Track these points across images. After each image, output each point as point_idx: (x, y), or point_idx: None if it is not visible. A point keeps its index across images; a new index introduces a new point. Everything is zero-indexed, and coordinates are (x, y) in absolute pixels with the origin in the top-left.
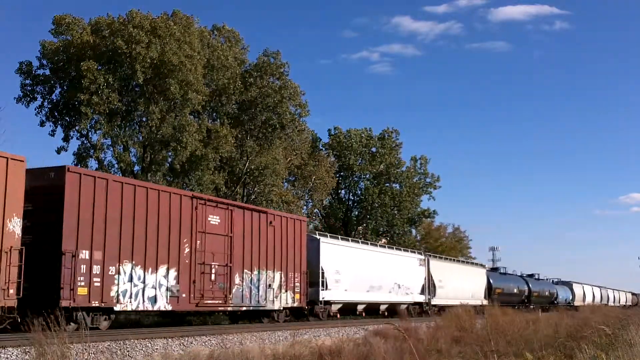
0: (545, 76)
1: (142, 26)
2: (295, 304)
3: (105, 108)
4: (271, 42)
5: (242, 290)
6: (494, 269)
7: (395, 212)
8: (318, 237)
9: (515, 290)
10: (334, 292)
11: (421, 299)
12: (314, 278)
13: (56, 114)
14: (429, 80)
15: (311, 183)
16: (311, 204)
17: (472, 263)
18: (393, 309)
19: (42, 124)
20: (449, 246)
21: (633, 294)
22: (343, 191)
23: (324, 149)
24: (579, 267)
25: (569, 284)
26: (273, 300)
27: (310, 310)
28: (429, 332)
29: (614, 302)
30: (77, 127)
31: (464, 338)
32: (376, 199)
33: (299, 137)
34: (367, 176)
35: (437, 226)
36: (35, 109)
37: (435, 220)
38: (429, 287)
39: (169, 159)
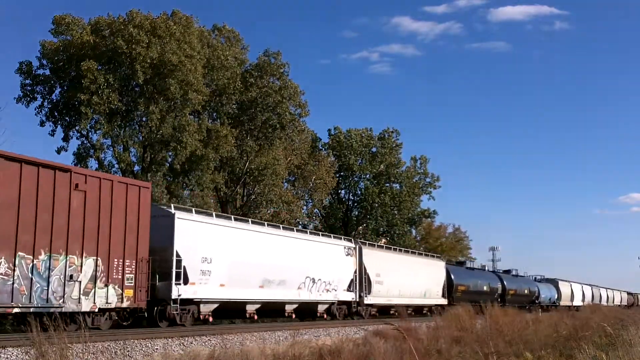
0: (545, 76)
1: (142, 26)
2: (125, 304)
3: (105, 108)
4: (271, 42)
5: (14, 284)
6: (459, 263)
7: (395, 212)
8: (173, 211)
9: (484, 288)
10: (201, 287)
11: (349, 297)
12: (165, 268)
13: (56, 114)
14: (429, 80)
15: (311, 183)
16: (311, 204)
17: (427, 255)
18: (310, 310)
19: (42, 124)
20: (449, 246)
21: (629, 293)
22: (343, 191)
23: (324, 149)
24: (579, 267)
25: (554, 282)
26: (79, 299)
27: (161, 312)
28: (429, 332)
29: (607, 301)
30: (77, 127)
31: (464, 338)
32: (376, 199)
33: (299, 137)
34: (367, 176)
35: (437, 226)
36: (35, 109)
37: (436, 220)
38: (362, 282)
39: (169, 159)
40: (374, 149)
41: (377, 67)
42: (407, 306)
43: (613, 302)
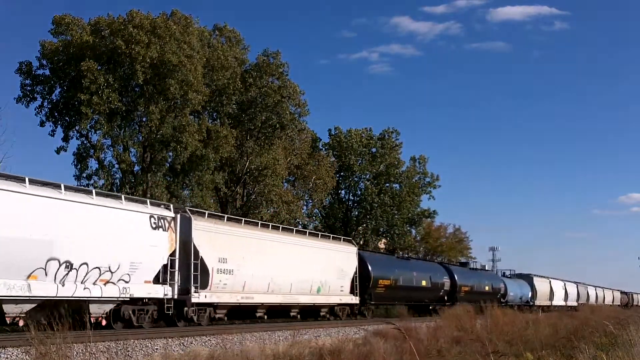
0: (544, 76)
1: (141, 26)
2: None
3: (105, 108)
4: (271, 42)
5: None
6: (390, 252)
7: (395, 212)
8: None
9: (423, 283)
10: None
11: (154, 291)
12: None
13: (56, 114)
14: (428, 80)
15: (311, 183)
16: (311, 204)
17: (327, 236)
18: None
19: (42, 124)
20: (449, 246)
21: (622, 292)
22: (343, 191)
23: (324, 149)
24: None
25: (527, 278)
26: None
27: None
28: (429, 332)
29: (596, 300)
30: (77, 127)
31: (464, 338)
32: (376, 199)
33: (298, 137)
34: (367, 176)
35: (437, 226)
36: (35, 109)
37: (436, 220)
38: (189, 270)
39: (169, 159)
40: (373, 149)
41: (377, 67)
42: (284, 306)
43: (604, 301)
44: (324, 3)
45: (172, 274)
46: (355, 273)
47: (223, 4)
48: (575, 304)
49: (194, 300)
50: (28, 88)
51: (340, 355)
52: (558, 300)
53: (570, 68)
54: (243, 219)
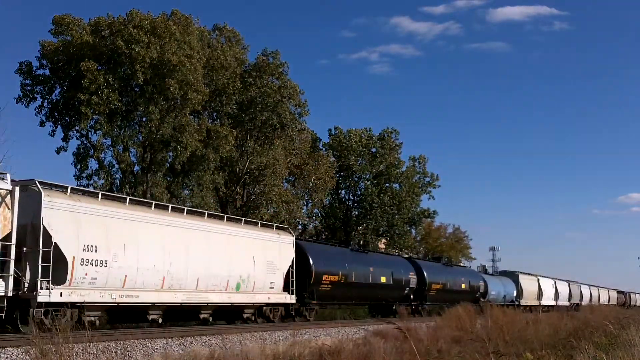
0: (544, 76)
1: (141, 26)
2: None
3: (105, 108)
4: (270, 42)
5: None
6: (343, 243)
7: (395, 212)
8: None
9: (382, 280)
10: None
11: None
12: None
13: (56, 114)
14: (428, 81)
15: (311, 183)
16: (311, 204)
17: (251, 222)
18: None
19: (42, 124)
20: (449, 246)
21: (619, 292)
22: (343, 191)
23: (324, 149)
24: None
25: (512, 275)
26: None
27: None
28: (429, 332)
29: (590, 301)
30: (77, 127)
31: (464, 338)
32: (376, 199)
33: (298, 137)
34: (367, 176)
35: (437, 226)
36: (35, 109)
37: (436, 220)
38: (35, 260)
39: (169, 159)
40: (373, 149)
41: (377, 67)
42: (190, 307)
43: (599, 301)
44: (323, 3)
45: (4, 264)
46: (292, 267)
47: (223, 4)
48: (567, 303)
49: (42, 299)
50: (28, 88)
51: (340, 355)
52: (547, 300)
53: (570, 68)
54: (129, 197)
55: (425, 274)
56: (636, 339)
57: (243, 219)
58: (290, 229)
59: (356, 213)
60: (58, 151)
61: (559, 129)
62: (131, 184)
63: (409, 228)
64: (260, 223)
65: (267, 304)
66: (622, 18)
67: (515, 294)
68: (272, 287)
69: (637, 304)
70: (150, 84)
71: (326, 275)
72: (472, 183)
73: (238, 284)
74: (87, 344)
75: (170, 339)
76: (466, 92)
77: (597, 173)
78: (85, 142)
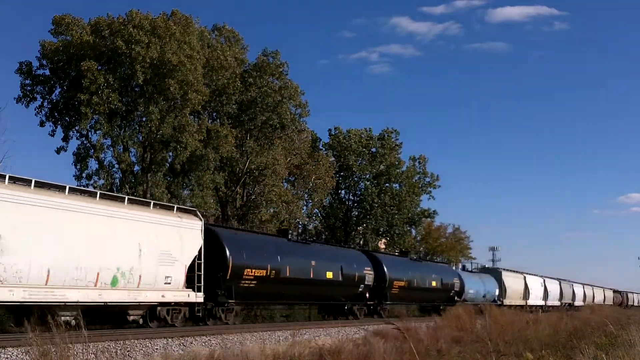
0: (544, 76)
1: (141, 26)
2: None
3: (105, 108)
4: (270, 42)
5: None
6: (282, 232)
7: (395, 212)
8: None
9: (328, 276)
10: None
11: None
12: None
13: (56, 114)
14: (428, 81)
15: (311, 183)
16: (311, 204)
17: (141, 202)
18: None
19: (42, 124)
20: (449, 246)
21: (616, 291)
22: (343, 191)
23: (324, 149)
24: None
25: (495, 273)
26: None
27: None
28: (429, 332)
29: (584, 300)
30: (77, 127)
31: (464, 338)
32: (376, 199)
33: (298, 137)
34: (367, 176)
35: (437, 226)
36: (35, 109)
37: (436, 220)
38: None
39: (169, 159)
40: (373, 149)
41: (377, 68)
42: (41, 306)
43: (593, 301)
44: (323, 3)
45: None
46: (198, 257)
47: (223, 4)
48: (557, 303)
49: None
50: (28, 88)
51: (340, 355)
52: (535, 300)
53: (569, 68)
54: None
55: (385, 269)
56: (636, 339)
57: (127, 197)
58: (199, 212)
59: (356, 213)
60: (58, 151)
61: (558, 129)
62: (131, 184)
63: (409, 228)
64: (154, 203)
65: (162, 304)
66: (622, 18)
67: (497, 293)
68: (169, 283)
69: (636, 303)
70: (150, 84)
71: (248, 270)
72: (472, 183)
73: (115, 278)
74: (87, 343)
75: (170, 339)
76: (466, 92)
77: (597, 173)
78: (85, 142)
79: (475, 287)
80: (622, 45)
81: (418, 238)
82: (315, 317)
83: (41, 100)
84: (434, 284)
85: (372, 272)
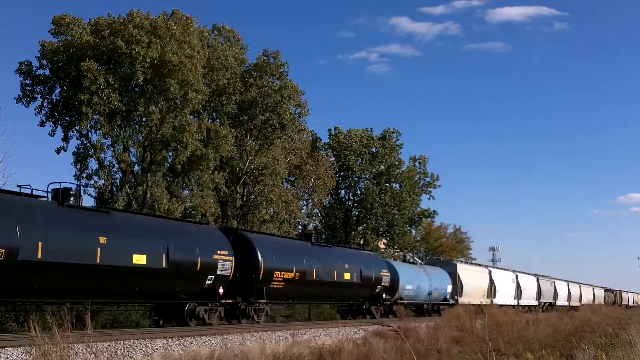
0: (544, 77)
1: (142, 26)
2: None
3: (105, 108)
4: (270, 42)
5: None
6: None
7: (395, 212)
8: None
9: (347, 277)
10: None
11: None
12: None
13: (56, 114)
14: (428, 81)
15: (311, 183)
16: (311, 204)
17: None
18: None
19: (42, 124)
20: (449, 246)
21: (607, 290)
22: (343, 191)
23: (323, 149)
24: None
25: (448, 266)
26: None
27: None
28: (429, 332)
29: (569, 300)
30: (77, 127)
31: (464, 338)
32: (376, 199)
33: (298, 137)
34: (367, 176)
35: (437, 226)
36: (35, 109)
37: (436, 220)
38: None
39: (169, 159)
40: (374, 149)
41: (376, 68)
42: None
43: (580, 300)
44: (323, 3)
45: None
46: None
47: (223, 4)
48: (534, 302)
49: None
50: (28, 88)
51: (340, 355)
52: (504, 298)
53: (569, 68)
54: None
55: (260, 255)
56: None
57: None
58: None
59: (356, 213)
60: (58, 151)
61: (558, 129)
62: (131, 184)
63: (409, 228)
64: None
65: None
66: (622, 18)
67: (449, 290)
68: None
69: (631, 303)
70: (150, 84)
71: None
72: (473, 183)
73: None
74: (87, 343)
75: (170, 339)
76: (466, 92)
77: (596, 173)
78: (85, 142)
79: (417, 282)
80: (622, 46)
81: (418, 238)
82: (315, 317)
83: (41, 100)
84: (346, 276)
85: (231, 259)
